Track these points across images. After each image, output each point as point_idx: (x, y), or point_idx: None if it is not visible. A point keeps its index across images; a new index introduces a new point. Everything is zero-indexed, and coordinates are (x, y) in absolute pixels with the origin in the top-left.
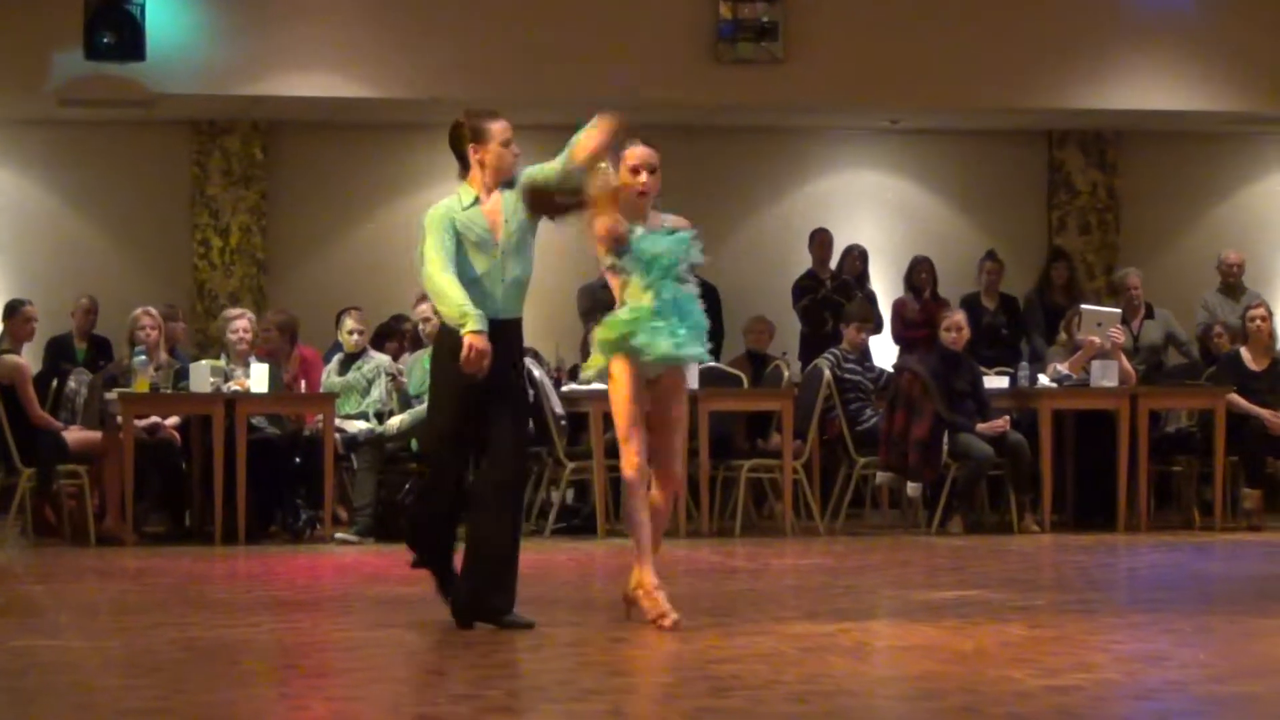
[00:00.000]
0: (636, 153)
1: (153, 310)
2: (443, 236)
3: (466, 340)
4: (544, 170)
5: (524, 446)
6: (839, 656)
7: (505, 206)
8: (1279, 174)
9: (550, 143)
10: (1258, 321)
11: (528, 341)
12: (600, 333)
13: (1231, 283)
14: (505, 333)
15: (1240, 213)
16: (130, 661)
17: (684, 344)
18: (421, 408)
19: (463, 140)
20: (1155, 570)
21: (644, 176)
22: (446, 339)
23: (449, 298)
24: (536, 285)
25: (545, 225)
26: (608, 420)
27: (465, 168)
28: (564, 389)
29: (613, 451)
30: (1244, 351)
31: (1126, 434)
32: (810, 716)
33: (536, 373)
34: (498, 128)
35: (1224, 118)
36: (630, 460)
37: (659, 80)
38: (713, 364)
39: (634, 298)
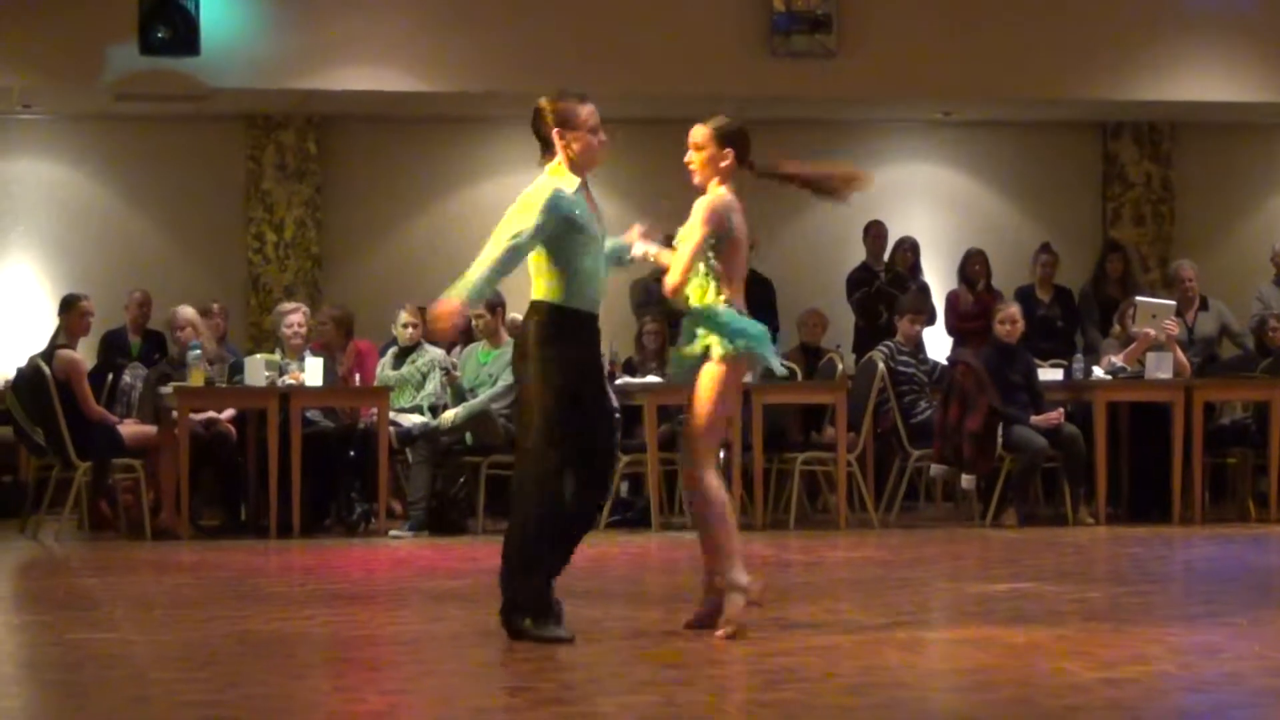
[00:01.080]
0: (594, 110)
1: (216, 305)
2: (545, 223)
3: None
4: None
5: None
6: (893, 649)
7: (594, 197)
8: None
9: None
10: None
11: None
12: (749, 327)
13: None
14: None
15: None
16: (185, 655)
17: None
18: (476, 401)
19: (546, 123)
20: (1210, 563)
21: (689, 156)
22: (554, 327)
23: (479, 267)
24: None
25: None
26: (662, 413)
27: (546, 151)
28: (618, 382)
29: (667, 445)
30: None
31: (1181, 426)
32: (864, 709)
33: None
34: (586, 112)
35: (1277, 109)
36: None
37: (712, 73)
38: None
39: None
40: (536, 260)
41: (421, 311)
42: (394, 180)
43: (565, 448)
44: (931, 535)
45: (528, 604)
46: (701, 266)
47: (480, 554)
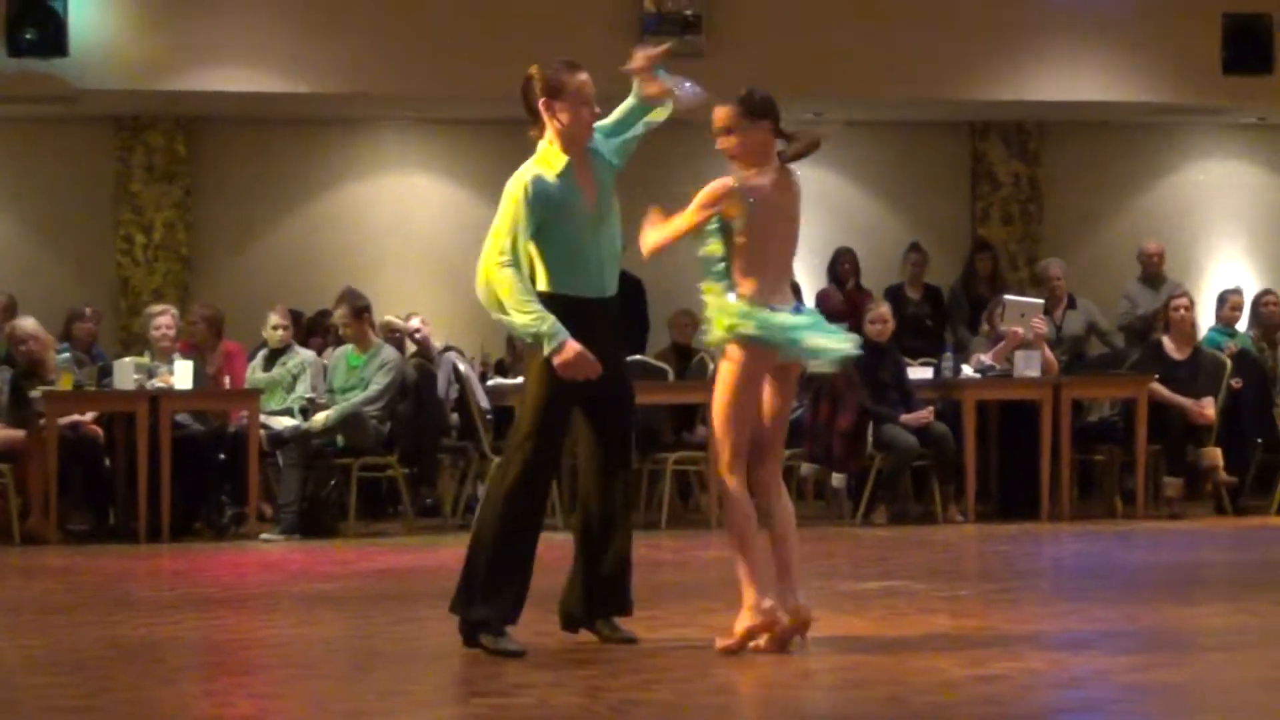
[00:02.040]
0: (588, 80)
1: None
2: (524, 219)
3: (557, 361)
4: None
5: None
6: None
7: (598, 169)
8: (1199, 164)
9: (469, 138)
10: (1180, 311)
11: (452, 337)
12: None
13: (1152, 272)
14: (608, 312)
15: (1161, 203)
16: (55, 660)
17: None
18: (348, 404)
19: (533, 93)
20: (1078, 559)
21: (720, 142)
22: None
23: (519, 307)
24: (461, 278)
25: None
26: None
27: (535, 123)
28: (489, 383)
29: None
30: (1166, 341)
31: (1049, 424)
32: (737, 708)
33: (462, 367)
34: (576, 82)
35: (1144, 108)
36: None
37: None
38: (638, 357)
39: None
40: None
41: (293, 314)
42: (264, 181)
43: (531, 451)
44: (802, 534)
45: (489, 621)
46: (718, 254)
47: (352, 557)
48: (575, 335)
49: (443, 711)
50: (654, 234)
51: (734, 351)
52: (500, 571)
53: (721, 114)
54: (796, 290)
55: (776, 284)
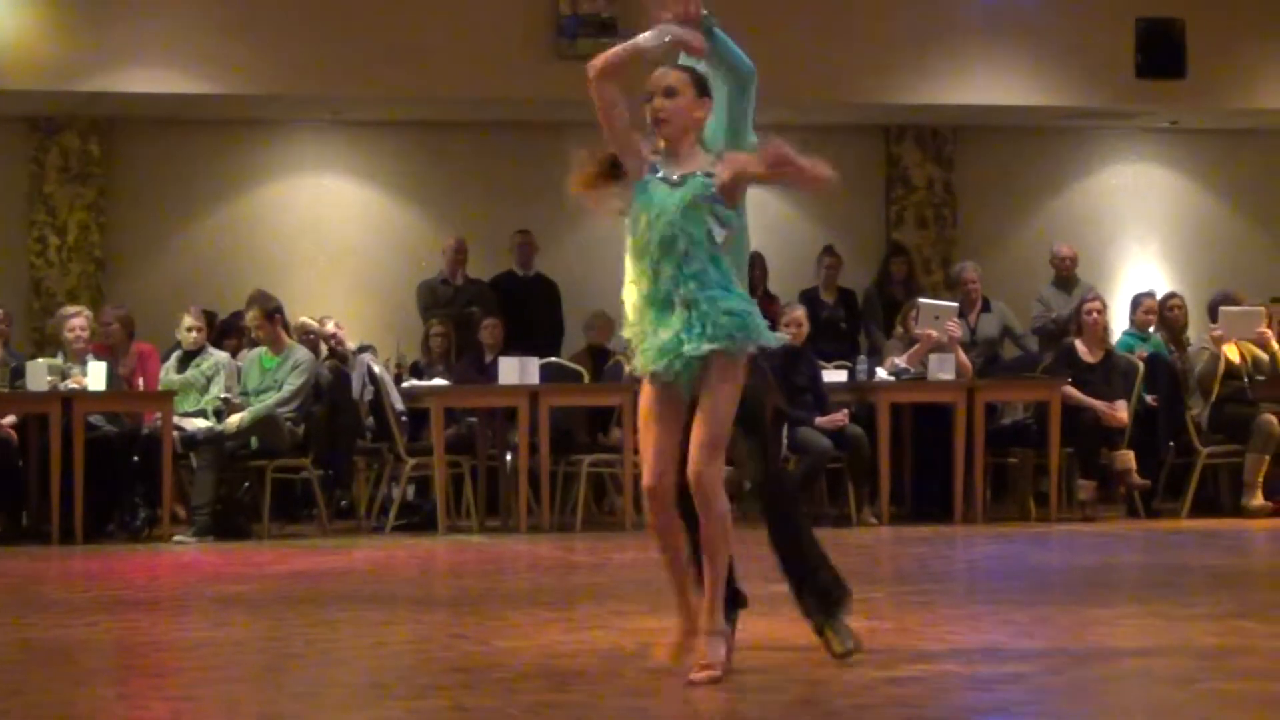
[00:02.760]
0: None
1: None
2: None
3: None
4: None
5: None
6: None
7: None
8: (1112, 168)
9: (390, 140)
10: (1093, 315)
11: (366, 338)
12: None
13: (1065, 276)
14: None
15: (1073, 207)
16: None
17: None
18: (262, 406)
19: None
20: (992, 562)
21: (657, 100)
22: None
23: None
24: (375, 279)
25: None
26: (448, 416)
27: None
28: (404, 385)
29: (454, 448)
30: (1078, 344)
31: (963, 427)
32: (650, 710)
33: (376, 369)
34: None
35: (1057, 113)
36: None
37: (499, 75)
38: (554, 359)
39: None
40: None
41: (207, 315)
42: (178, 183)
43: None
44: None
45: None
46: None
47: (266, 559)
48: None
49: (357, 715)
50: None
51: (741, 362)
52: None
53: (670, 75)
54: None
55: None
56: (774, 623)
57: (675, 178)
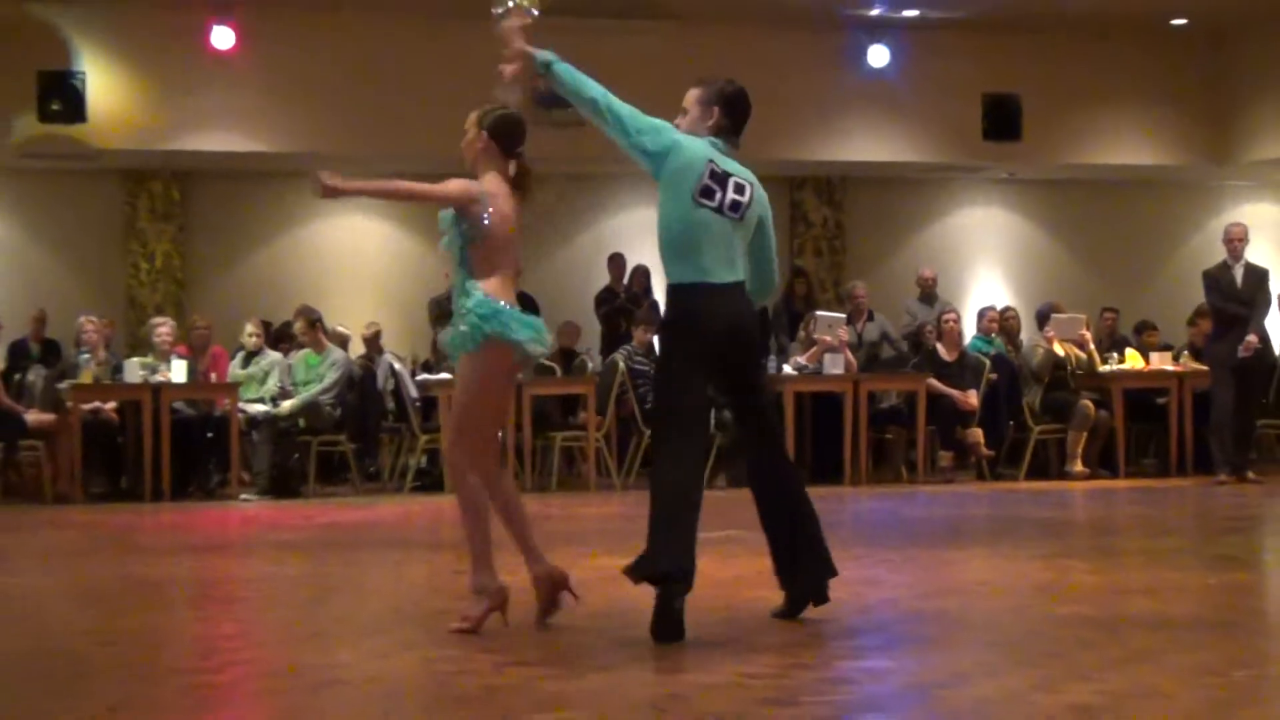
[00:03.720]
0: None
1: (94, 318)
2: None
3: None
4: None
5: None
6: (630, 584)
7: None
8: (964, 209)
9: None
10: (950, 323)
11: (387, 342)
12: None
13: (928, 292)
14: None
15: (936, 239)
16: (78, 593)
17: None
18: (308, 394)
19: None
20: (873, 514)
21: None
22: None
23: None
24: (395, 296)
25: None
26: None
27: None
28: (418, 378)
29: None
30: (939, 346)
31: (850, 410)
32: (607, 630)
33: (396, 365)
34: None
35: (922, 166)
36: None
37: None
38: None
39: None
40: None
41: (264, 324)
42: (241, 221)
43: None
44: None
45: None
46: (456, 255)
47: (311, 513)
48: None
49: (383, 633)
50: (358, 181)
51: (487, 349)
52: None
53: (469, 116)
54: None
55: (506, 286)
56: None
57: None
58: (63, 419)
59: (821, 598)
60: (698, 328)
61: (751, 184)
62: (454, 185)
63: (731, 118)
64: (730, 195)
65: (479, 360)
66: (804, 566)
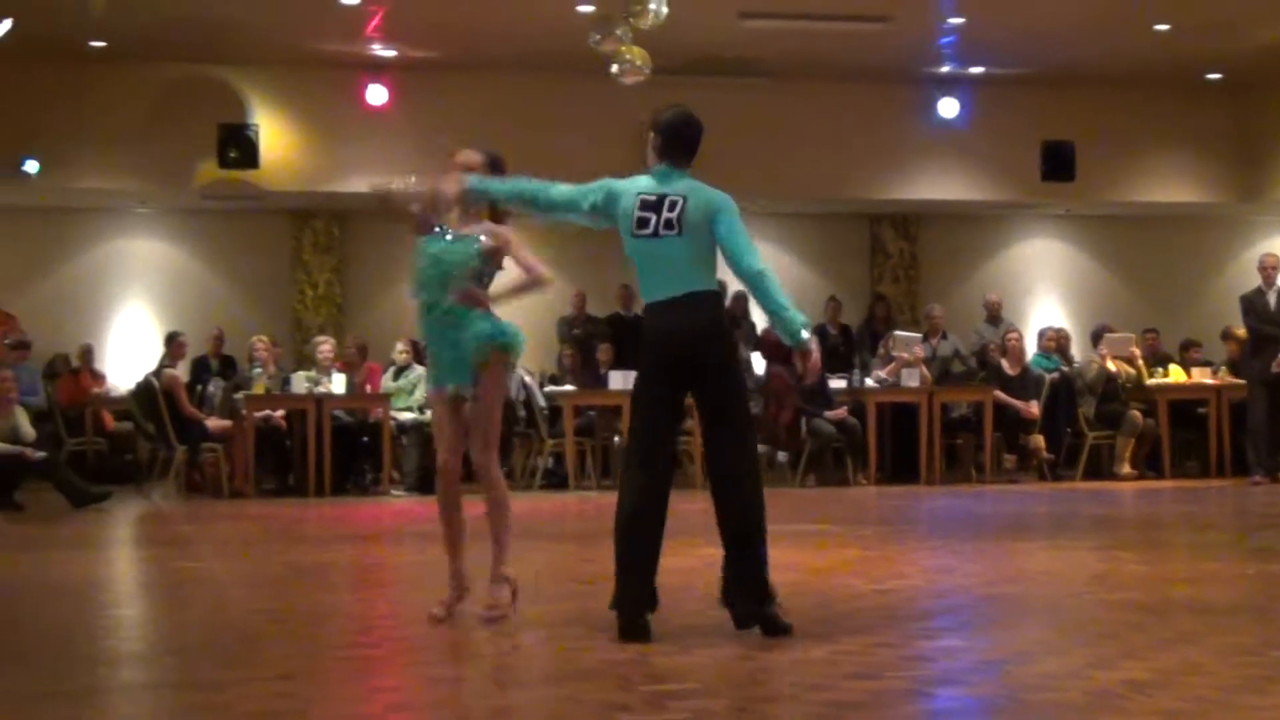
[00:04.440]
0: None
1: (264, 338)
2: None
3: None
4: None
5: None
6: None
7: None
8: (1025, 241)
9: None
10: (1012, 342)
11: (522, 360)
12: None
13: (993, 315)
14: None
15: (1000, 268)
16: (252, 577)
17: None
18: None
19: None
20: (946, 510)
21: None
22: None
23: (786, 301)
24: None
25: None
26: (575, 411)
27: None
28: (545, 390)
29: (582, 431)
30: (1003, 362)
31: (926, 418)
32: (712, 612)
33: (527, 378)
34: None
35: (987, 204)
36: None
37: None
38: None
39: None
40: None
41: (412, 343)
42: (390, 252)
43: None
44: None
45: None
46: (458, 286)
47: None
48: None
49: (514, 615)
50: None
51: (502, 365)
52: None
53: (469, 155)
54: None
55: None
56: (797, 552)
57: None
58: (238, 425)
59: (767, 627)
60: (647, 344)
61: (685, 195)
62: (511, 235)
63: (668, 139)
64: (664, 215)
65: (500, 373)
66: (738, 594)
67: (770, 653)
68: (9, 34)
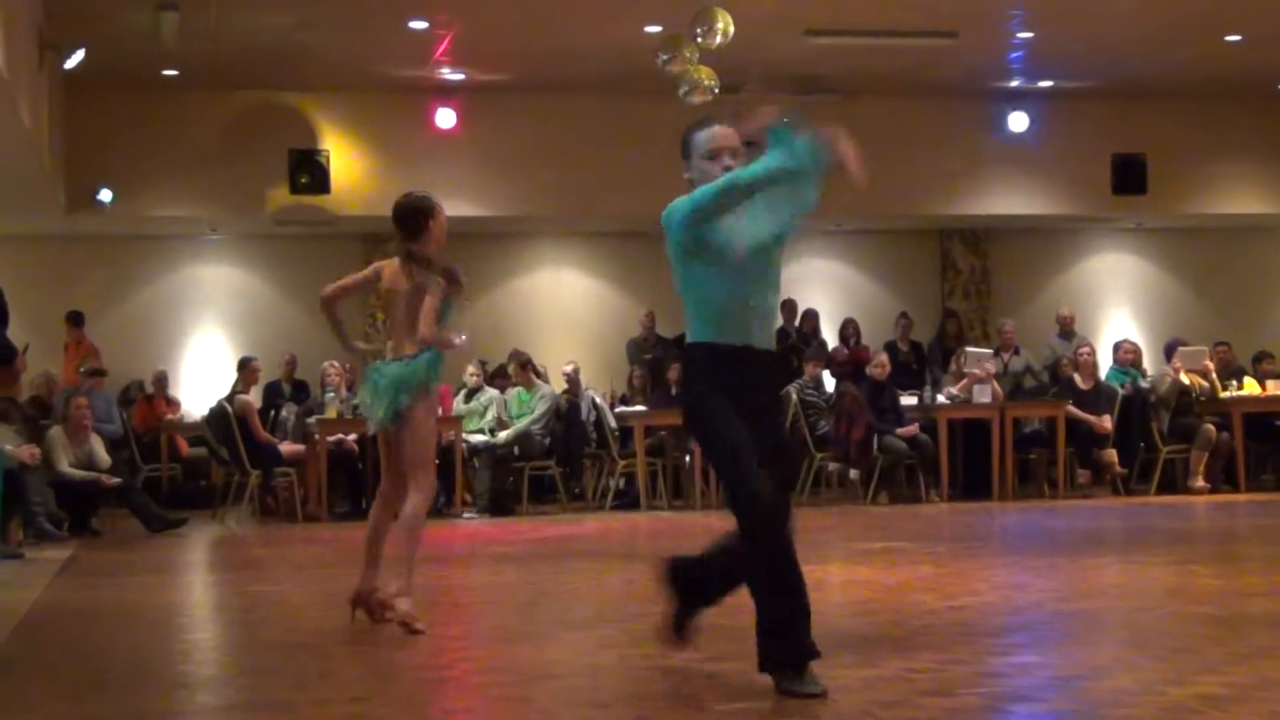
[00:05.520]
0: (711, 134)
1: (336, 363)
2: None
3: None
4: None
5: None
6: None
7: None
8: (1097, 255)
9: (600, 244)
10: (1085, 356)
11: (588, 379)
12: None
13: (1066, 330)
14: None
15: (1071, 282)
16: (326, 599)
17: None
18: (521, 425)
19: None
20: (1019, 526)
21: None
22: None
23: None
24: (595, 340)
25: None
26: (646, 431)
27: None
28: (616, 410)
29: (653, 451)
30: (1076, 376)
31: (998, 434)
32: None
33: (598, 399)
34: (703, 137)
35: (1060, 218)
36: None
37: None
38: None
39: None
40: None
41: (482, 365)
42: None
43: None
44: (831, 510)
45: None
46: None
47: (525, 529)
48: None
49: (587, 630)
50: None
51: (434, 396)
52: None
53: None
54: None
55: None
56: (869, 569)
57: None
58: (311, 449)
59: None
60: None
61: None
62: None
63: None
64: None
65: (432, 405)
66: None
67: (844, 670)
68: (81, 64)
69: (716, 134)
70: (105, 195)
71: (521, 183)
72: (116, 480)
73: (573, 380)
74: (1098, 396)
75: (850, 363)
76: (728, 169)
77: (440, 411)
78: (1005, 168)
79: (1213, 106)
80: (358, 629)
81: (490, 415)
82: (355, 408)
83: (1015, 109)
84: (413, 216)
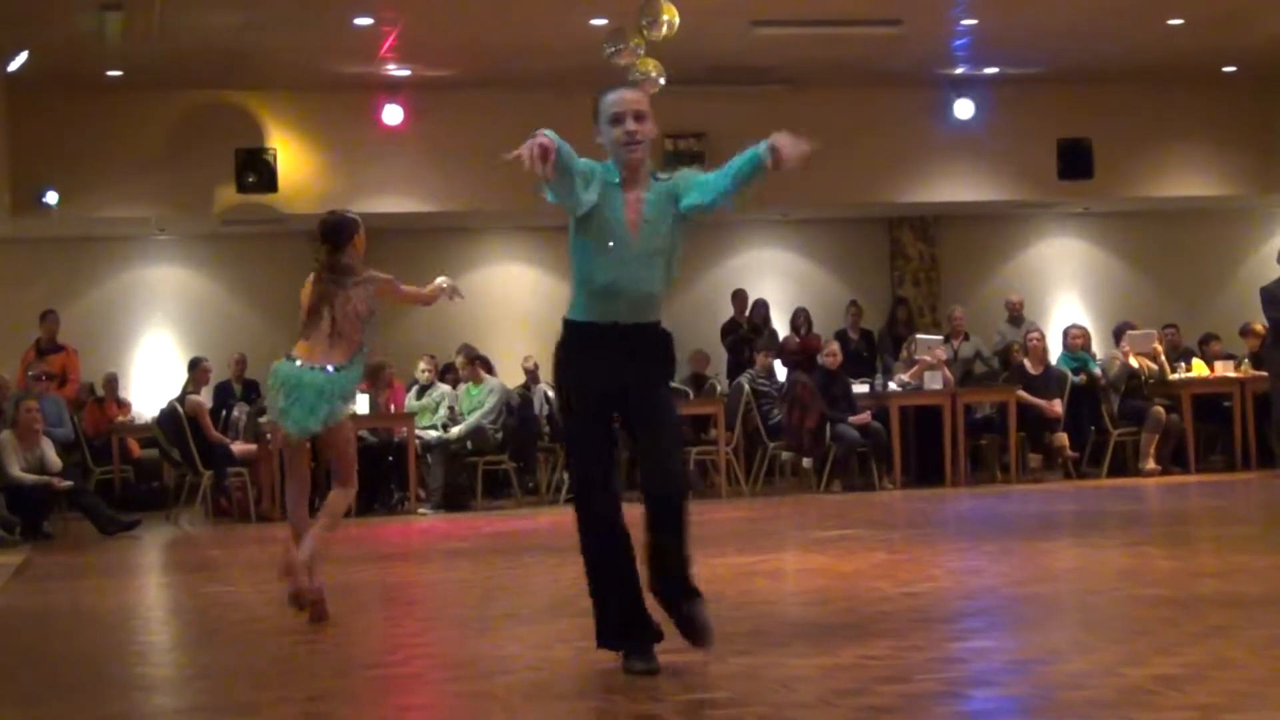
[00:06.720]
0: (617, 98)
1: None
2: (581, 170)
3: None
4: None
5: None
6: (761, 578)
7: (648, 203)
8: (1044, 240)
9: (547, 238)
10: (1034, 341)
11: (544, 374)
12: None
13: (1015, 315)
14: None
15: (1019, 268)
16: (282, 600)
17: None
18: (472, 420)
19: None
20: (972, 511)
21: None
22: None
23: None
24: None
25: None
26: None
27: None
28: None
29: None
30: (1026, 362)
31: (949, 420)
32: (743, 619)
33: (550, 393)
34: (609, 100)
35: (1006, 204)
36: None
37: None
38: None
39: None
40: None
41: (432, 358)
42: (410, 271)
43: None
44: (784, 500)
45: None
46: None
47: (479, 524)
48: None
49: (543, 624)
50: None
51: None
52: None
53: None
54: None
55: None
56: (824, 557)
57: None
58: (263, 448)
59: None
60: None
61: None
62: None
63: None
64: None
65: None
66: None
67: (801, 659)
68: (24, 65)
69: (625, 98)
70: (51, 197)
71: (470, 178)
72: (68, 483)
73: (531, 374)
74: (1048, 381)
75: (801, 352)
76: (629, 133)
77: (392, 408)
78: (952, 155)
79: (1157, 90)
80: (316, 627)
81: (442, 411)
82: (261, 413)
83: (961, 96)
84: (339, 231)
